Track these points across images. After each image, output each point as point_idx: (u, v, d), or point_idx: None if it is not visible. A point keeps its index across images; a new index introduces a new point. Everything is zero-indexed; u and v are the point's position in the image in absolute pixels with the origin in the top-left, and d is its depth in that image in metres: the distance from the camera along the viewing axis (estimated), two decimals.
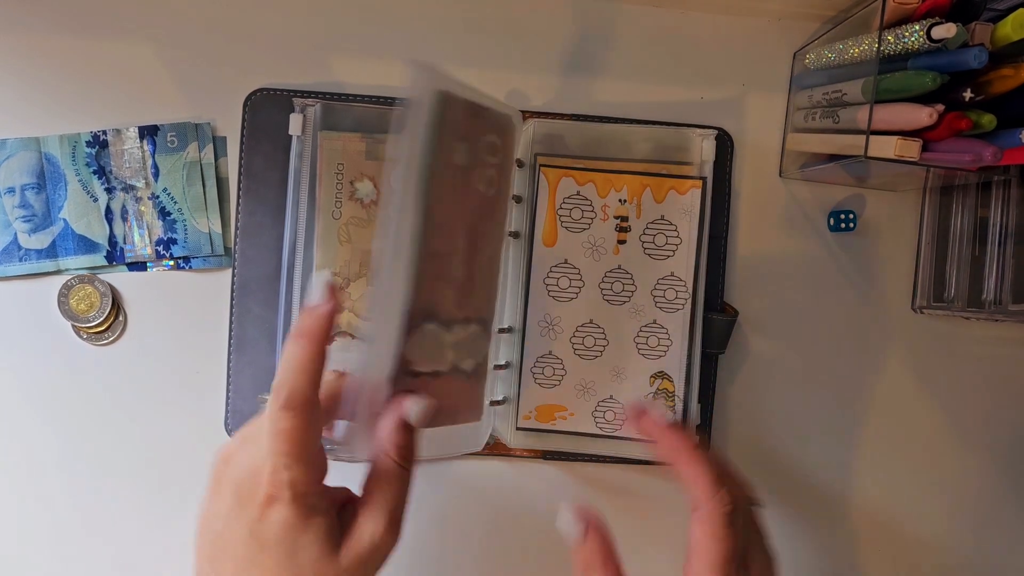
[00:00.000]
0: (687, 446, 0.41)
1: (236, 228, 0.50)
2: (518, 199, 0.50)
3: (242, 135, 0.50)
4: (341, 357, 0.46)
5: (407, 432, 0.37)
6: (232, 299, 0.50)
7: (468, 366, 0.45)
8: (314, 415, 0.35)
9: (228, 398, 0.50)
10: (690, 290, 0.50)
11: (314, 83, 0.50)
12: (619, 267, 0.50)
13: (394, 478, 0.37)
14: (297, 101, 0.49)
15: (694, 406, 0.50)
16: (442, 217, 0.41)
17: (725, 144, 0.53)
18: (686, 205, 0.50)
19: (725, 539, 0.38)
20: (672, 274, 0.50)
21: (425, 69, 0.38)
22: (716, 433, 0.53)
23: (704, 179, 0.50)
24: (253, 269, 0.50)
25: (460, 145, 0.41)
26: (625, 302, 0.50)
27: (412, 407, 0.37)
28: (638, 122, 0.52)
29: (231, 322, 0.50)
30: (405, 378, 0.40)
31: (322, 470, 0.36)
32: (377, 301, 0.39)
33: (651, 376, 0.51)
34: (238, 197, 0.50)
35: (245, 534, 0.34)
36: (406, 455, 0.37)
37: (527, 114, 0.51)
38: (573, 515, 0.40)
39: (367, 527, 0.36)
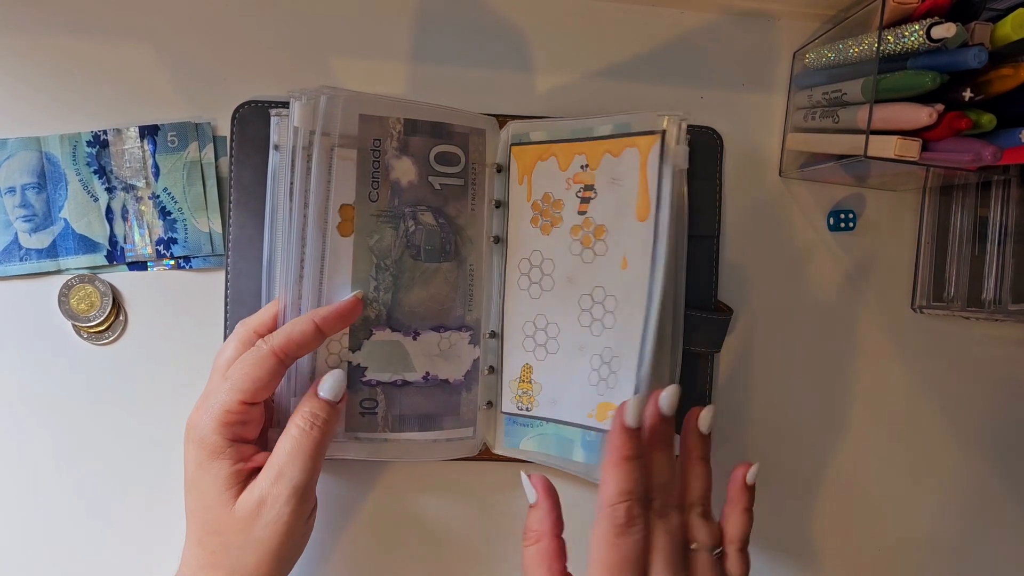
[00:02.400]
0: (610, 457, 0.40)
1: (228, 241, 0.50)
2: (498, 204, 0.50)
3: (230, 148, 0.49)
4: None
5: (316, 401, 0.42)
6: (226, 312, 0.50)
7: (448, 374, 0.49)
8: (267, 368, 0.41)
9: None
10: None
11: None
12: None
13: (291, 439, 0.41)
14: (275, 112, 0.47)
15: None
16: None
17: (714, 142, 0.52)
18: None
19: (613, 547, 0.39)
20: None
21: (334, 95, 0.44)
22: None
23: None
24: (246, 282, 0.49)
25: (404, 161, 0.46)
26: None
27: (325, 380, 0.42)
28: (604, 115, 0.49)
29: (225, 335, 0.50)
30: (359, 384, 0.47)
31: (240, 424, 0.41)
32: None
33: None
34: (230, 209, 0.50)
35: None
36: (310, 420, 0.41)
37: (508, 119, 0.50)
38: (532, 481, 0.42)
39: (258, 482, 0.40)
